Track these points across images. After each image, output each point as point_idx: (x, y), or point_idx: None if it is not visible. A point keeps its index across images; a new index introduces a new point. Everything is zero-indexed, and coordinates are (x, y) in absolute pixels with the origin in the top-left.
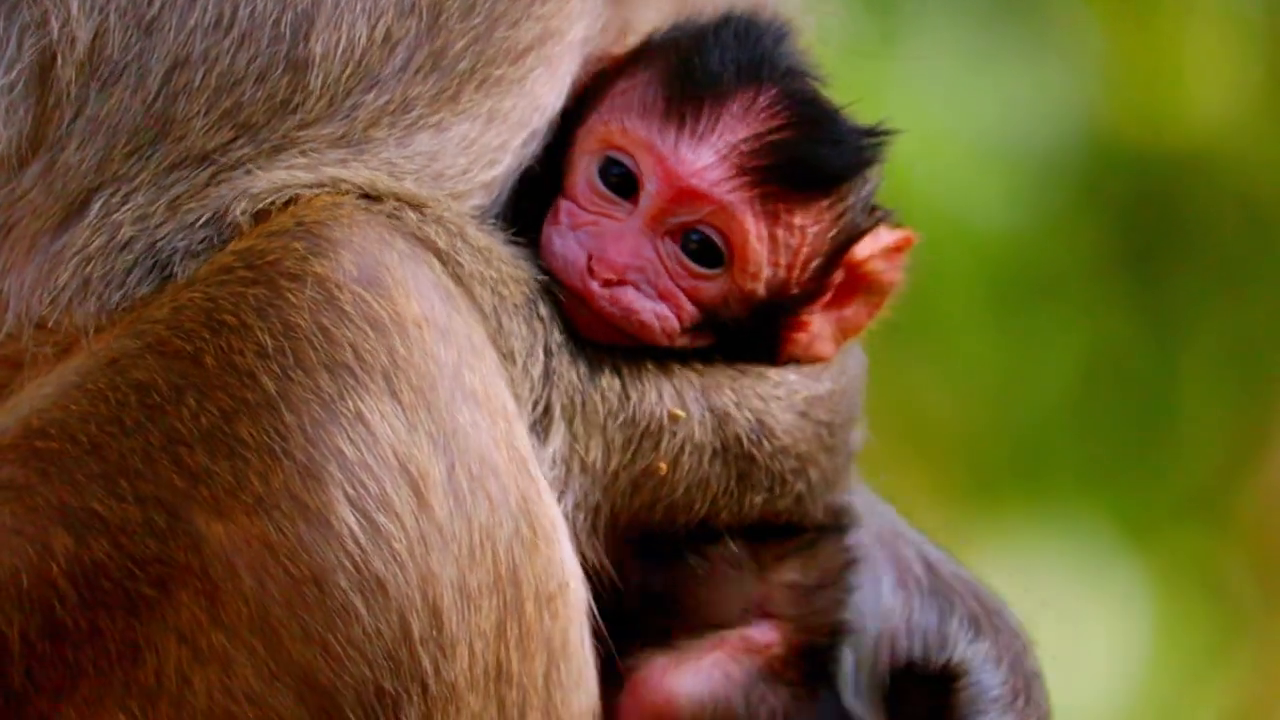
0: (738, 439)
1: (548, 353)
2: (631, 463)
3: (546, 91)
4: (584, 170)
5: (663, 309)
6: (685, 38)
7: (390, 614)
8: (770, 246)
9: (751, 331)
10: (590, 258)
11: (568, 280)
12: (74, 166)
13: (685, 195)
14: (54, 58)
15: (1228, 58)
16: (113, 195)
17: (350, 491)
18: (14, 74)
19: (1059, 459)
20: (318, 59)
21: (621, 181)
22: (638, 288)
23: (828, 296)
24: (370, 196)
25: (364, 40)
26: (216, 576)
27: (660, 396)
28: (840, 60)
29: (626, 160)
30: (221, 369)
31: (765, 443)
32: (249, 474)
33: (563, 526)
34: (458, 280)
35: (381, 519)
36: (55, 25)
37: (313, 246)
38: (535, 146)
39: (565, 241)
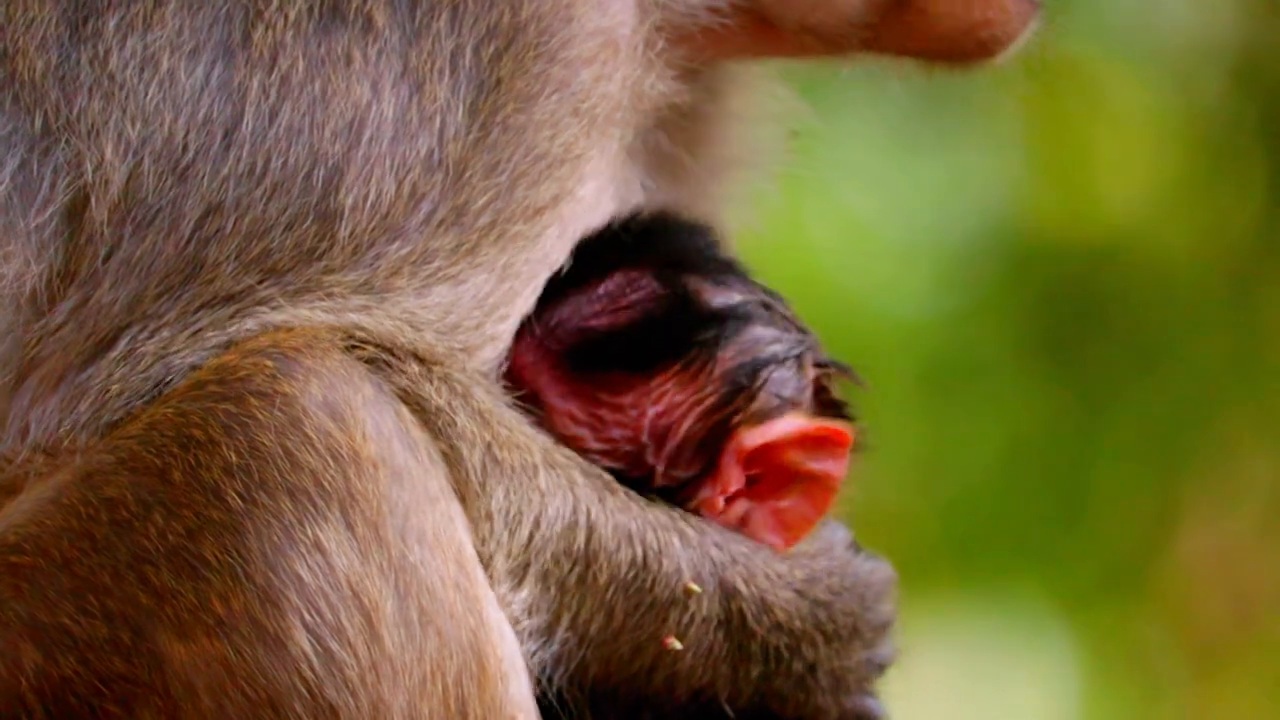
0: (740, 612)
1: (535, 521)
2: (637, 629)
3: (556, 247)
4: None
5: None
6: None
7: None
8: (590, 423)
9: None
10: None
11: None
12: (106, 306)
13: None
14: (86, 199)
15: (1140, 154)
16: (140, 331)
17: (307, 618)
18: (47, 214)
19: (988, 537)
20: (346, 210)
21: None
22: None
23: (720, 480)
24: (373, 344)
25: (391, 194)
26: (177, 696)
27: (679, 569)
28: (775, 153)
29: None
30: (188, 484)
31: (765, 617)
32: (211, 595)
33: (517, 665)
34: (437, 433)
35: (335, 646)
36: (89, 168)
37: (283, 367)
38: (533, 300)
39: None
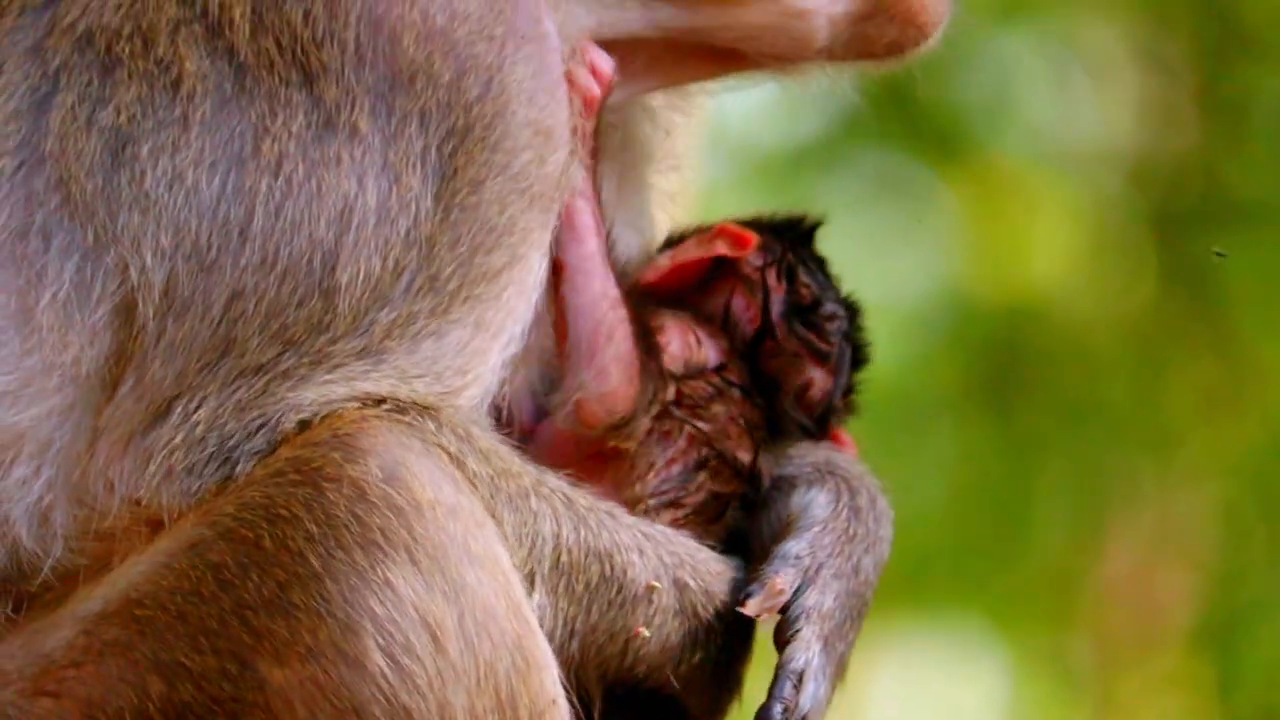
0: (691, 603)
1: (533, 539)
2: (612, 623)
3: (518, 304)
4: None
5: None
6: None
7: None
8: None
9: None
10: None
11: None
12: (159, 381)
13: None
14: (134, 298)
15: (1060, 234)
16: (189, 401)
17: (381, 641)
18: (100, 311)
19: (934, 564)
20: (343, 286)
21: None
22: None
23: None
24: (391, 407)
25: (378, 269)
26: (278, 710)
27: (640, 575)
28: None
29: None
30: (278, 550)
31: (710, 605)
32: (301, 630)
33: (550, 657)
34: (463, 473)
35: (406, 661)
36: (134, 272)
37: (347, 455)
38: (513, 348)
39: None
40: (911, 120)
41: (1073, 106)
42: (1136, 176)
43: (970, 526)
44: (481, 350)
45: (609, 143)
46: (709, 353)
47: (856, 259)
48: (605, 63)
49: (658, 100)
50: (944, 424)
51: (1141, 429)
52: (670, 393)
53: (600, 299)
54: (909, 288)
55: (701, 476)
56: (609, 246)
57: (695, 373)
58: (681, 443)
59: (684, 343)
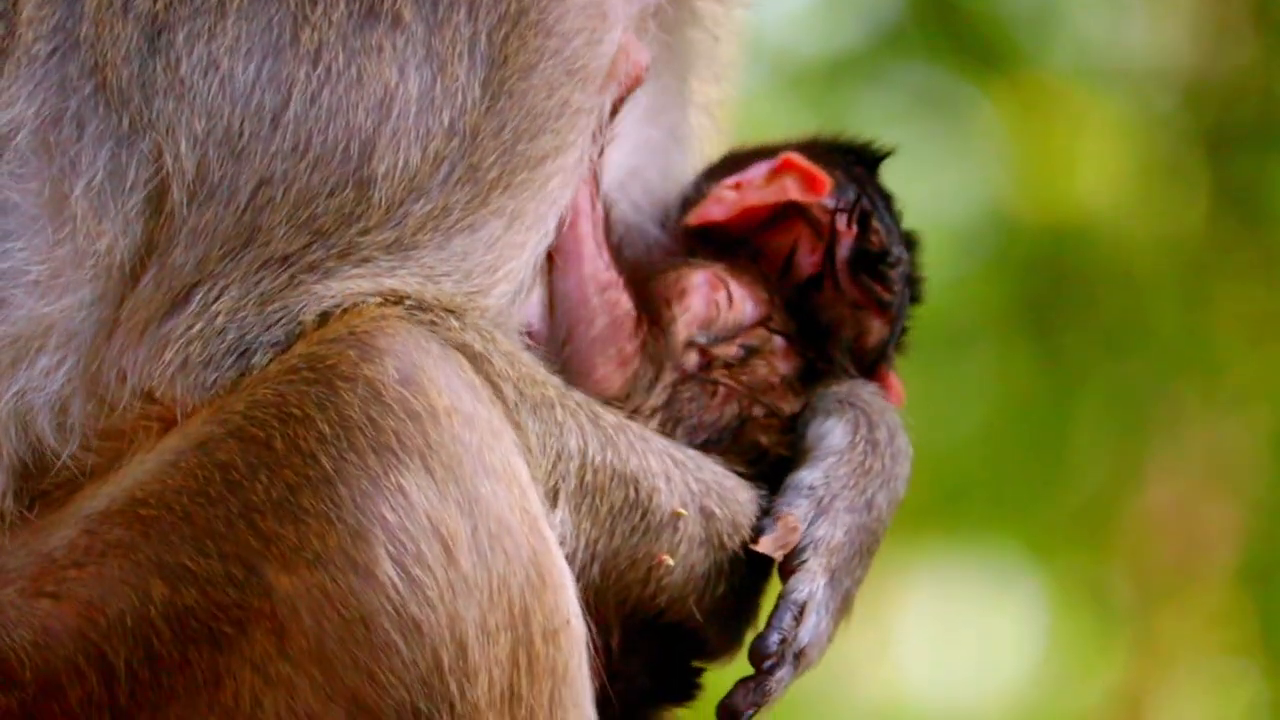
0: (718, 533)
1: (558, 451)
2: (635, 548)
3: (561, 194)
4: None
5: None
6: None
7: (424, 648)
8: None
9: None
10: None
11: None
12: (179, 267)
13: None
14: (168, 185)
15: (1108, 153)
16: (210, 290)
17: (391, 549)
18: (133, 199)
19: (971, 491)
20: (379, 177)
21: None
22: None
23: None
24: (414, 304)
25: (417, 160)
26: (283, 618)
27: (666, 501)
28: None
29: None
30: (289, 451)
31: (736, 535)
32: (310, 536)
33: (568, 575)
34: (486, 377)
35: (417, 571)
36: (169, 159)
37: (363, 353)
38: (548, 243)
39: None
40: (955, 33)
41: (1124, 21)
42: (1188, 95)
43: (1009, 453)
44: (516, 244)
45: (656, 54)
46: (745, 308)
47: (895, 177)
48: (643, 55)
49: (703, 3)
50: (985, 347)
51: (1188, 355)
52: (691, 361)
53: (586, 283)
54: (950, 207)
55: (747, 430)
56: (606, 224)
57: (727, 335)
58: (717, 401)
59: (710, 304)
